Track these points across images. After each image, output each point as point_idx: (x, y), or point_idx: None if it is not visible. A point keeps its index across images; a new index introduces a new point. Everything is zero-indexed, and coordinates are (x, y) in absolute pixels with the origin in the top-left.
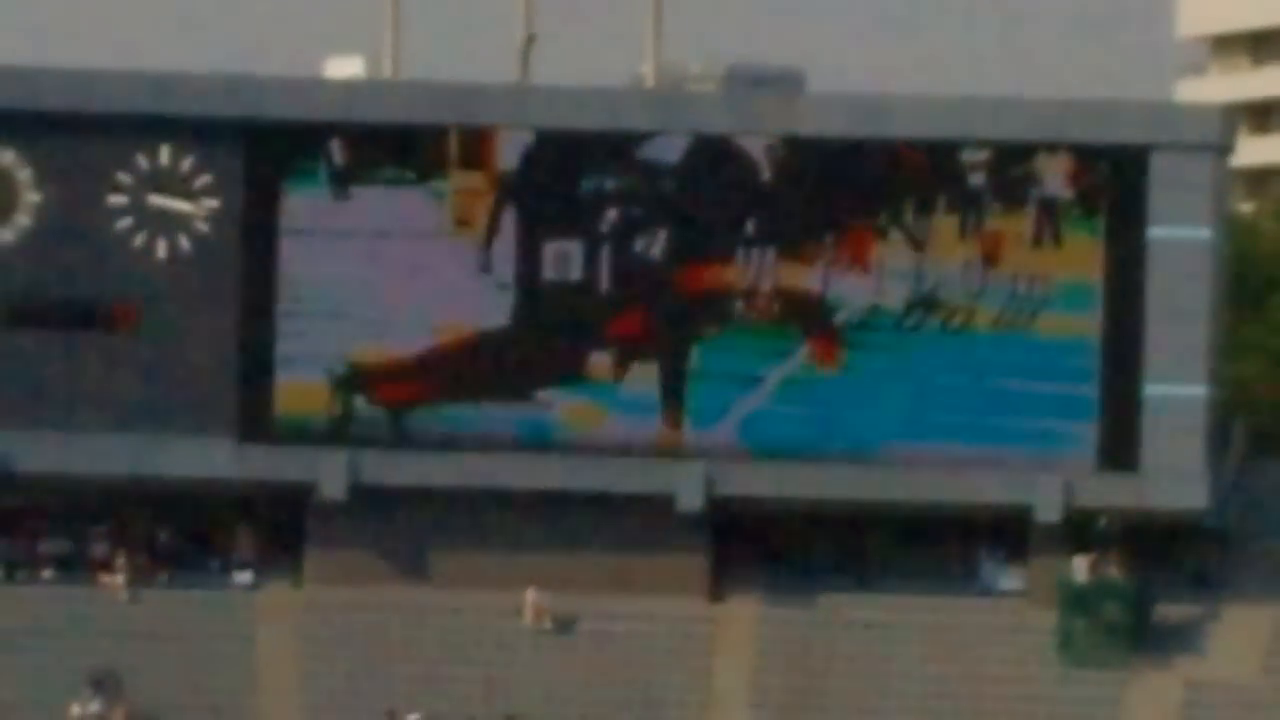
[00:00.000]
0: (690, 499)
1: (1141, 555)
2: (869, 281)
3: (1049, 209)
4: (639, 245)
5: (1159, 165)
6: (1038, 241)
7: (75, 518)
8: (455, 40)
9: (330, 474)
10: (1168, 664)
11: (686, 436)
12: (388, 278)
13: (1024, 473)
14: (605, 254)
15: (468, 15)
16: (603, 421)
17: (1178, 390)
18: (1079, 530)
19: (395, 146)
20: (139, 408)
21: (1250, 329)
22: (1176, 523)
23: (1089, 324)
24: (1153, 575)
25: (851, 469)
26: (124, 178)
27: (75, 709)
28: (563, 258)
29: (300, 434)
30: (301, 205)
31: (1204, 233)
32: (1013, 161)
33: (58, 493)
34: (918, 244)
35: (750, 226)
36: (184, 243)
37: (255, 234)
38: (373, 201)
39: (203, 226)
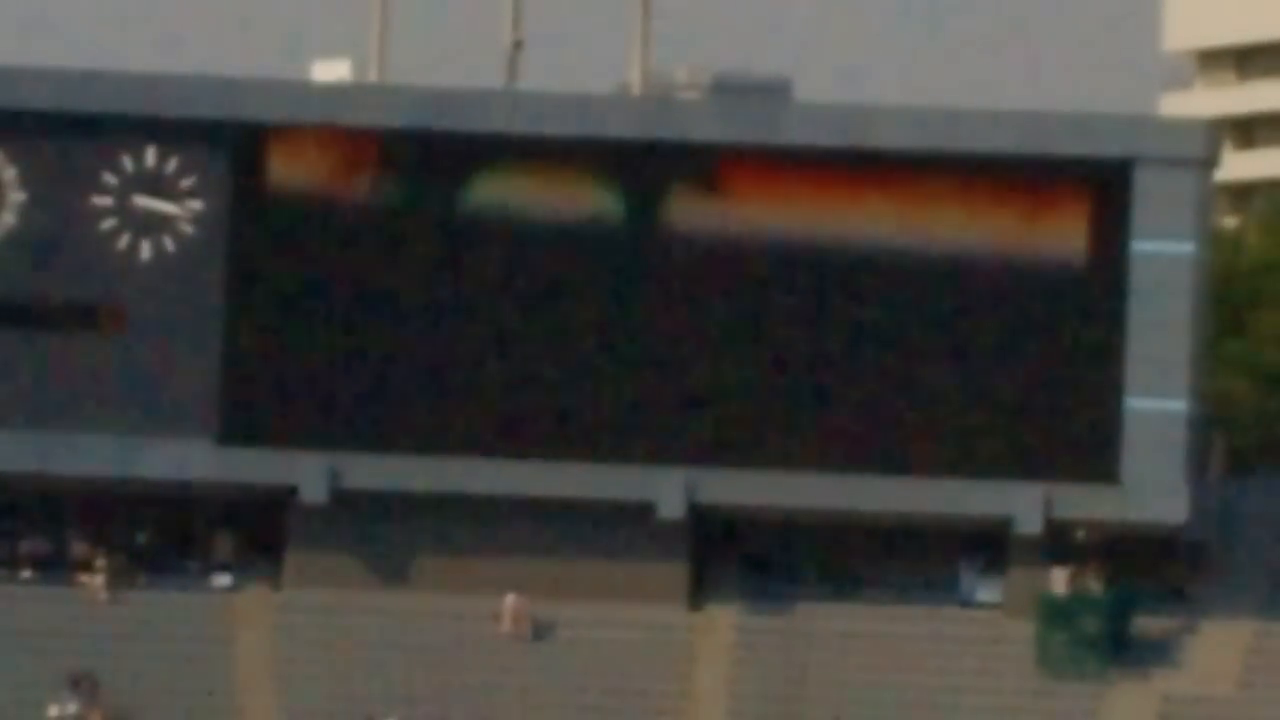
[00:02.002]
0: (671, 506)
1: (1120, 568)
2: None
3: None
4: None
5: (1143, 179)
6: None
7: (55, 518)
8: (443, 45)
9: (311, 477)
10: (1145, 677)
11: None
12: None
13: (1004, 484)
14: None
15: (455, 20)
16: None
17: (1159, 404)
18: (1058, 542)
19: None
20: (121, 409)
21: (1233, 344)
22: (1156, 536)
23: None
24: (1131, 588)
25: (832, 478)
26: (109, 178)
27: (53, 710)
28: None
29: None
30: None
31: (1187, 247)
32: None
33: (37, 493)
34: None
35: None
36: (168, 244)
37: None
38: None
39: (187, 228)
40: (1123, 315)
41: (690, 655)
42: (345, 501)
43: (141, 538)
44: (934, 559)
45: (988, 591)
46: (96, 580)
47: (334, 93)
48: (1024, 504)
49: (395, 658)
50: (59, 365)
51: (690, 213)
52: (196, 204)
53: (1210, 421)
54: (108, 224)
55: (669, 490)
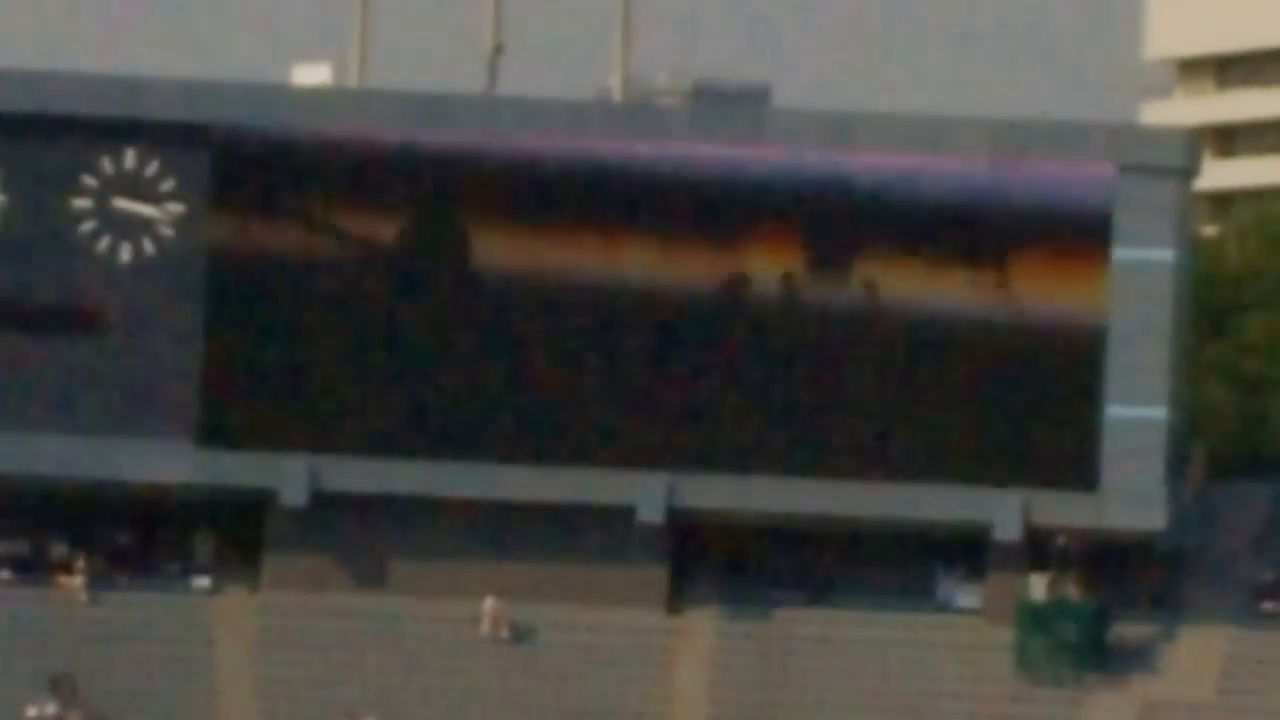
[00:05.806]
0: (651, 511)
1: (1099, 575)
2: None
3: None
4: None
5: (1124, 187)
6: None
7: (34, 519)
8: (422, 49)
9: (291, 480)
10: (1123, 683)
11: None
12: None
13: (984, 490)
14: None
15: (436, 25)
16: None
17: (1138, 411)
18: (1037, 549)
19: None
20: (100, 411)
21: (1213, 351)
22: (1135, 543)
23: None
24: (1110, 595)
25: (812, 484)
26: (89, 181)
27: (31, 710)
28: None
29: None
30: None
31: (1168, 254)
32: None
33: (17, 494)
34: None
35: None
36: (148, 247)
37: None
38: None
39: (167, 231)
40: (1103, 323)
41: (669, 659)
42: (325, 504)
43: (121, 539)
44: (913, 565)
45: (967, 597)
46: (76, 581)
47: (313, 97)
48: (1003, 510)
49: (374, 660)
50: (38, 367)
51: None
52: (176, 207)
53: (1190, 429)
54: (87, 226)
55: (649, 494)
